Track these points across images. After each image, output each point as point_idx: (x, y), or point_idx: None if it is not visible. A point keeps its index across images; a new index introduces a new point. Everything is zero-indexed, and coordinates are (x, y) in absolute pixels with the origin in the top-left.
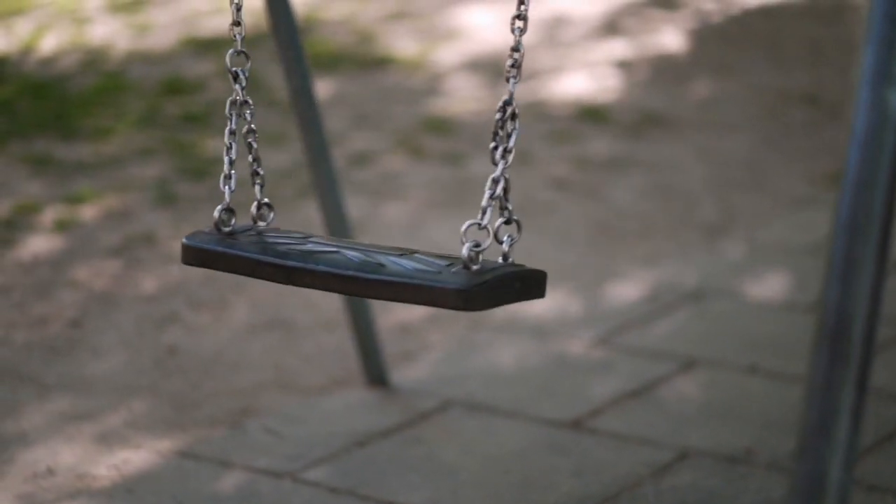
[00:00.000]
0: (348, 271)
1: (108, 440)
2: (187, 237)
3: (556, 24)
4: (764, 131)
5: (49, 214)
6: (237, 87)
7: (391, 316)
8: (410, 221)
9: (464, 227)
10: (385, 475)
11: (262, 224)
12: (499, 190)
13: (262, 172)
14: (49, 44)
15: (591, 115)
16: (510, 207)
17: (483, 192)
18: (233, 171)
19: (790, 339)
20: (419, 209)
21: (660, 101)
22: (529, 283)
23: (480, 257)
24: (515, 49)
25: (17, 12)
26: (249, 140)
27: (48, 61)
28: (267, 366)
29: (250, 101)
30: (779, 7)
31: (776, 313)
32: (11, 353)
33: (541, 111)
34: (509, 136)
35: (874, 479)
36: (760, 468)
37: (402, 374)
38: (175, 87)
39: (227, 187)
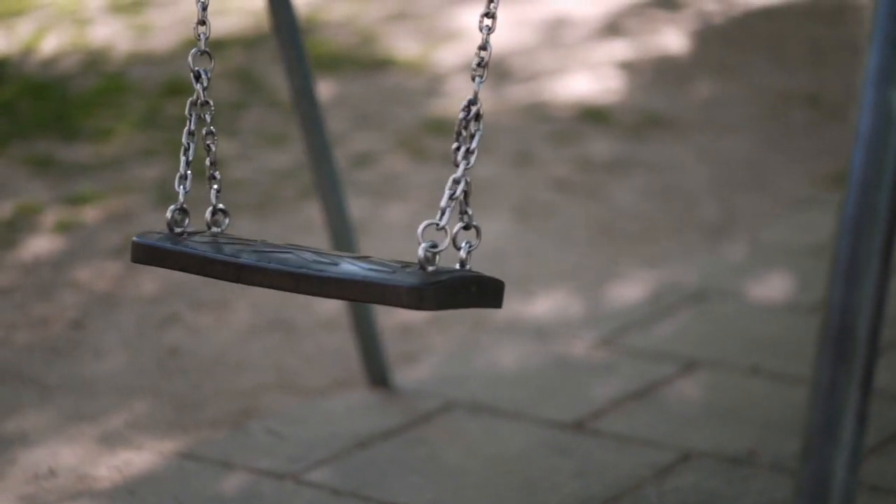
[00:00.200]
0: (300, 269)
1: (109, 441)
2: (138, 236)
3: (558, 25)
4: (765, 132)
5: (50, 215)
6: (198, 87)
7: (393, 317)
8: (412, 222)
9: (420, 228)
10: (387, 476)
11: (216, 230)
12: (459, 191)
13: (218, 176)
14: (50, 45)
15: (592, 115)
16: (470, 212)
17: (484, 195)
18: (188, 172)
19: (792, 340)
20: (420, 210)
21: (661, 101)
22: (486, 290)
23: (438, 258)
24: (482, 48)
25: (17, 13)
26: (208, 142)
27: (49, 62)
28: (268, 367)
29: (211, 103)
30: (780, 8)
31: (778, 314)
32: (13, 353)
33: (542, 112)
34: (472, 136)
35: (877, 480)
36: (763, 469)
37: (404, 376)
38: (176, 88)
39: (181, 187)
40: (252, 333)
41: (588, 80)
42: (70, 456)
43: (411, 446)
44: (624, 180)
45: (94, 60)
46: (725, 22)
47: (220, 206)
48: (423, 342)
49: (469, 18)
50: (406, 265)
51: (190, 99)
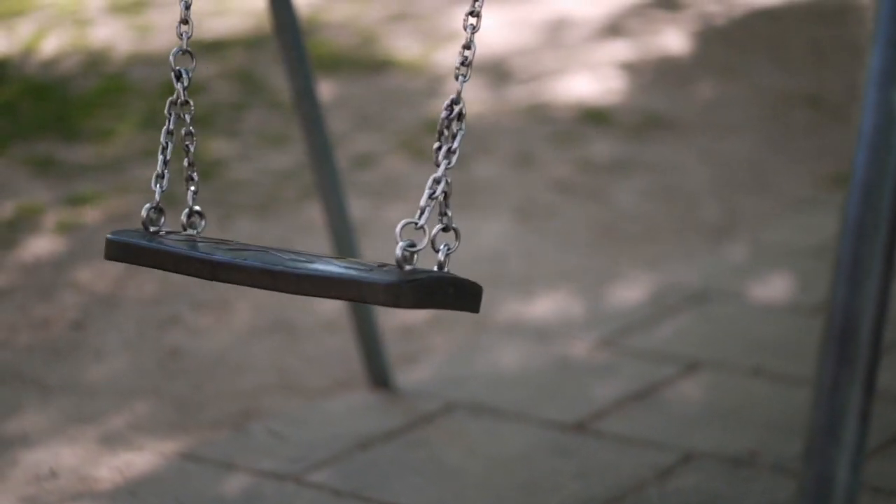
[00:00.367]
0: (277, 266)
1: (110, 442)
2: (112, 233)
3: (559, 26)
4: (767, 133)
5: (51, 216)
6: (179, 86)
7: (394, 318)
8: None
9: (399, 227)
10: (388, 477)
11: (191, 231)
12: (439, 191)
13: (196, 178)
14: (50, 45)
15: (593, 116)
16: (450, 213)
17: (485, 196)
18: (166, 171)
19: (794, 341)
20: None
21: (663, 102)
22: (464, 293)
23: (416, 258)
24: (467, 46)
25: (18, 14)
26: (187, 143)
27: (49, 63)
28: (269, 368)
29: (191, 103)
30: (782, 8)
31: (779, 315)
32: (13, 354)
33: (543, 113)
34: (454, 136)
35: (879, 482)
36: (765, 470)
37: (406, 377)
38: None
39: (157, 186)
40: (253, 334)
41: (589, 80)
42: (71, 457)
43: (412, 447)
44: (625, 181)
45: (95, 61)
46: (726, 22)
47: (197, 207)
48: (423, 343)
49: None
50: (384, 265)
51: (170, 98)
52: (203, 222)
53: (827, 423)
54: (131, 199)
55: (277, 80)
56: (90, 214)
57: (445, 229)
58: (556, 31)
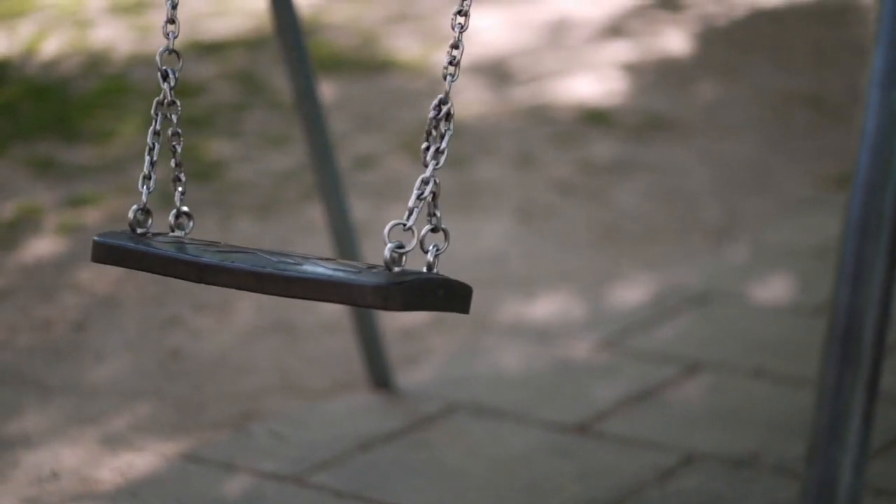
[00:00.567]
0: (265, 269)
1: (111, 443)
2: (99, 235)
3: (560, 27)
4: (768, 133)
5: (52, 217)
6: (166, 86)
7: (395, 319)
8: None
9: (387, 228)
10: (389, 479)
11: (179, 233)
12: (427, 192)
13: (183, 178)
14: (51, 46)
15: (594, 117)
16: (438, 214)
17: (486, 197)
18: (153, 172)
19: (795, 342)
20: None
21: (664, 103)
22: (454, 294)
23: (404, 259)
24: (455, 46)
25: (18, 15)
26: (174, 143)
27: (50, 64)
28: (271, 369)
29: (178, 103)
30: (783, 9)
31: (781, 316)
32: (14, 355)
33: (544, 113)
34: (442, 136)
35: (882, 483)
36: (766, 471)
37: (407, 378)
38: (177, 90)
39: (145, 187)
40: (254, 336)
41: (590, 81)
42: (72, 458)
43: (413, 448)
44: (626, 182)
45: (95, 62)
46: (728, 23)
47: (185, 209)
48: (424, 344)
49: (470, 20)
50: (372, 266)
51: (156, 98)
52: (191, 223)
53: (830, 424)
54: (132, 200)
55: (278, 80)
56: (91, 215)
57: (434, 230)
58: (558, 32)
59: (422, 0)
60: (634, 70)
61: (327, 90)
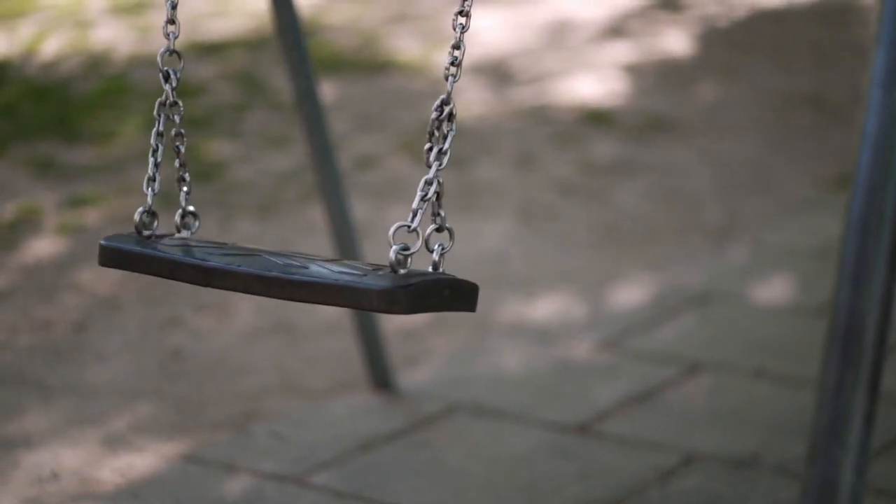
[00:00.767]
0: (270, 272)
1: (112, 444)
2: (105, 239)
3: (562, 28)
4: (769, 134)
5: (52, 217)
6: (167, 87)
7: (395, 320)
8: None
9: (392, 230)
10: (390, 479)
11: (185, 233)
12: (431, 192)
13: (188, 178)
14: (51, 47)
15: (595, 118)
16: (443, 214)
17: (487, 197)
18: (157, 174)
19: (796, 343)
20: (426, 212)
21: (665, 104)
22: (460, 293)
23: (409, 261)
24: (456, 46)
25: (19, 15)
26: (177, 144)
27: (50, 64)
28: (271, 369)
29: (180, 103)
30: (784, 10)
31: (782, 316)
32: (15, 356)
33: (545, 114)
34: (445, 136)
35: (882, 483)
36: (767, 472)
37: (407, 378)
38: (177, 90)
39: (150, 189)
40: (254, 336)
41: (591, 82)
42: (73, 459)
43: (414, 449)
44: (627, 182)
45: (96, 62)
46: (729, 24)
47: (190, 208)
48: (425, 345)
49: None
50: (378, 268)
51: (158, 100)
52: (197, 223)
53: (831, 424)
54: (132, 200)
55: (279, 81)
56: (91, 216)
57: (439, 229)
58: (559, 33)
59: (422, 0)
60: (635, 70)
61: (328, 90)
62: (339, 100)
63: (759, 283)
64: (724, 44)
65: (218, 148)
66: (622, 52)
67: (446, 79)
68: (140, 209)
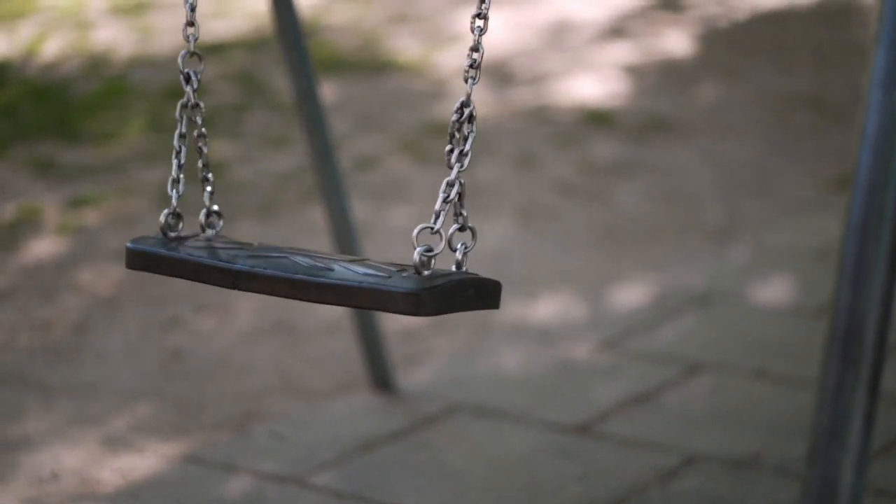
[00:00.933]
0: (296, 275)
1: (112, 444)
2: (132, 241)
3: (562, 28)
4: (769, 135)
5: (53, 218)
6: (189, 89)
7: (395, 320)
8: (414, 225)
9: (415, 232)
10: (390, 479)
11: (210, 232)
12: (453, 194)
13: (211, 178)
14: (52, 48)
15: (596, 118)
16: (465, 213)
17: (487, 197)
18: (181, 175)
19: (797, 343)
20: (423, 212)
21: (666, 105)
22: (484, 292)
23: (433, 262)
24: (475, 49)
25: (19, 16)
26: (199, 145)
27: (51, 65)
28: (271, 370)
29: (202, 105)
30: (784, 11)
31: (783, 317)
32: (15, 357)
33: (545, 115)
34: (466, 138)
35: (883, 484)
36: (768, 472)
37: (408, 379)
38: (178, 91)
39: (174, 191)
40: (255, 336)
41: (592, 82)
42: (73, 459)
43: (414, 449)
44: (627, 183)
45: (96, 63)
46: (729, 25)
47: (215, 207)
48: (425, 345)
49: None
50: (402, 269)
51: (181, 101)
52: (221, 222)
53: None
54: (133, 201)
55: (279, 81)
56: (91, 216)
57: (462, 229)
58: (559, 33)
59: (422, 1)
60: (635, 71)
61: (328, 91)
62: (339, 100)
63: (760, 283)
64: (724, 44)
65: (218, 148)
66: (622, 52)
67: (465, 81)
68: (165, 211)
